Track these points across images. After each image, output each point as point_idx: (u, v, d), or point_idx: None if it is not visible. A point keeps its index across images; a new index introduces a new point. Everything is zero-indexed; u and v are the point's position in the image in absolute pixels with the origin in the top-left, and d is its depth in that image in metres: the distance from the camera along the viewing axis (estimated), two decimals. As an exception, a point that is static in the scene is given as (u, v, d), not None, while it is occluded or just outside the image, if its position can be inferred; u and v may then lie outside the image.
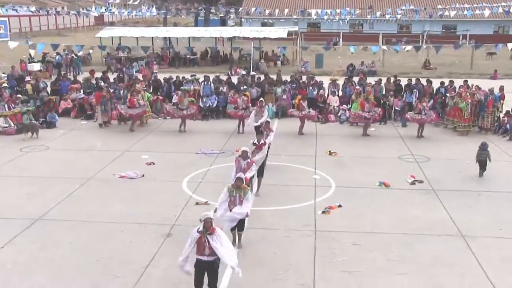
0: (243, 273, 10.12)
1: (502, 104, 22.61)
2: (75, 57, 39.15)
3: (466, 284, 10.07)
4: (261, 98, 20.17)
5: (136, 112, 21.57)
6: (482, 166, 16.18)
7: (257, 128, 17.78)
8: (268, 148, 15.54)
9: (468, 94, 21.28)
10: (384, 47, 39.64)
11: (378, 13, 56.79)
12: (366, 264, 10.76)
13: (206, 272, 9.13)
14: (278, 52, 42.99)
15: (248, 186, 11.55)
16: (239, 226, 11.22)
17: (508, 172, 16.70)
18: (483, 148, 16.04)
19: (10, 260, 10.88)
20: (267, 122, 16.51)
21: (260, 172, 14.21)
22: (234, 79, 28.43)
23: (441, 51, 33.38)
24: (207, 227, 8.89)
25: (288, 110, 22.85)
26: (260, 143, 14.13)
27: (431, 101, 22.72)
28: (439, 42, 39.28)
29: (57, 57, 39.20)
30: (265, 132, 15.65)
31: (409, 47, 36.44)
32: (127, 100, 21.74)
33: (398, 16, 50.66)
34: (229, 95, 23.58)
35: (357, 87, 24.06)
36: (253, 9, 58.70)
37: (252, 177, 13.40)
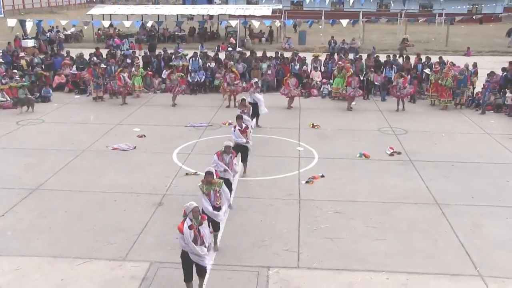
0: (230, 241, 10.24)
1: (476, 80, 22.67)
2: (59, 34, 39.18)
3: (439, 248, 10.23)
4: (255, 79, 19.76)
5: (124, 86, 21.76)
6: None
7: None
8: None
9: (451, 70, 21.22)
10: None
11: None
12: (347, 231, 10.87)
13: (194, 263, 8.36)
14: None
15: (220, 180, 9.97)
16: (214, 226, 9.81)
17: (479, 144, 16.84)
18: None
19: (10, 227, 10.88)
20: (243, 99, 15.95)
21: (245, 158, 13.74)
22: (221, 56, 28.29)
23: (417, 29, 33.30)
24: (196, 216, 8.15)
25: (280, 91, 22.20)
26: (244, 127, 13.60)
27: (408, 76, 22.68)
28: (415, 20, 39.29)
29: (48, 34, 38.87)
30: (240, 111, 14.92)
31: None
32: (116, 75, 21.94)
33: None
34: (216, 72, 23.85)
35: (339, 62, 23.99)
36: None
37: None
